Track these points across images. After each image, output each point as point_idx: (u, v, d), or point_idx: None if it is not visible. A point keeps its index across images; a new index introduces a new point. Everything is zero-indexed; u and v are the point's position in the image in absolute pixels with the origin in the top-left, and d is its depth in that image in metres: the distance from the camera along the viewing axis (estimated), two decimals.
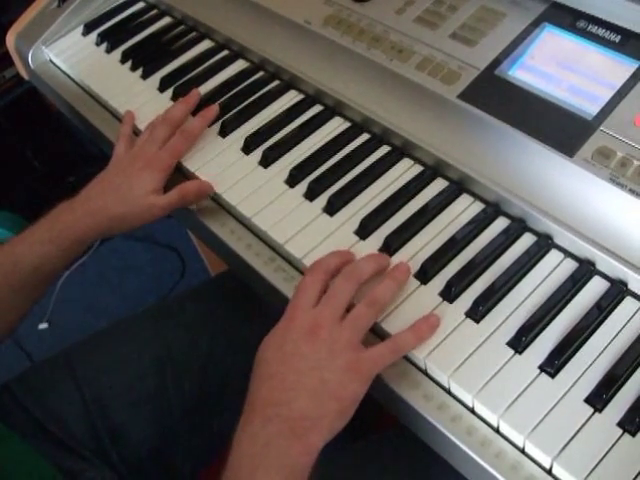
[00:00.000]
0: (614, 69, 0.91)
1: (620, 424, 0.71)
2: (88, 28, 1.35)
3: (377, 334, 0.84)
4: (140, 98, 1.18)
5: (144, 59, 1.25)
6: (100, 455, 1.08)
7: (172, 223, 2.39)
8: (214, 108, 1.10)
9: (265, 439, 0.73)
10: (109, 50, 1.30)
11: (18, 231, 1.03)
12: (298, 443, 0.73)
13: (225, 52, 1.23)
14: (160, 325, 1.19)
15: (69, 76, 1.30)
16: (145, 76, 1.22)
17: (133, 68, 1.25)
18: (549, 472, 0.72)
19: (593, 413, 0.72)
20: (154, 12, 1.37)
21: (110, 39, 1.31)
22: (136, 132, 1.12)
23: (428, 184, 0.95)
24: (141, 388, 1.12)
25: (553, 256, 0.85)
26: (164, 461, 1.14)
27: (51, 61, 1.35)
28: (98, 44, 1.32)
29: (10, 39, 1.36)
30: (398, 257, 0.88)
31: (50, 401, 1.09)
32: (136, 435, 1.10)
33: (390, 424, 1.04)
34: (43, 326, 2.29)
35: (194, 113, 1.10)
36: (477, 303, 0.81)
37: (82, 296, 2.22)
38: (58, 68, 1.33)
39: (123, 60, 1.27)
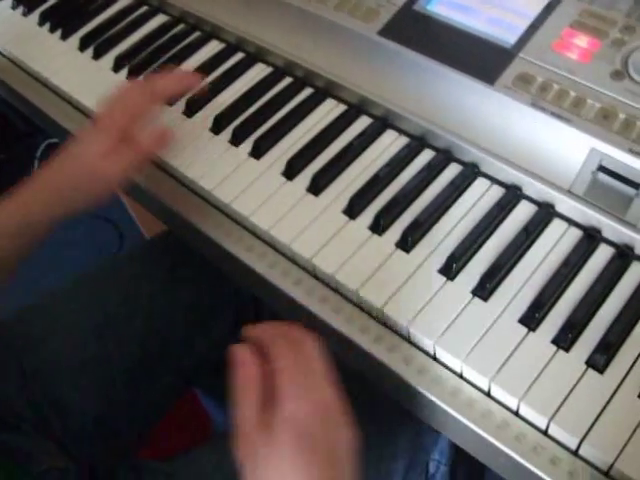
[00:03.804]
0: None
1: (554, 341, 0.73)
2: None
3: (309, 272, 0.84)
4: (61, 59, 1.16)
5: (63, 20, 1.22)
6: (41, 427, 1.06)
7: None
8: (198, 77, 1.01)
9: None
10: (26, 13, 1.27)
11: None
12: None
13: (144, 7, 1.21)
14: (97, 291, 1.17)
15: None
16: (65, 36, 1.20)
17: (52, 29, 1.22)
18: (488, 394, 0.73)
19: (527, 333, 0.73)
20: None
21: (26, 2, 1.28)
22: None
23: (353, 122, 0.95)
24: (82, 355, 1.10)
25: (480, 183, 0.86)
26: (108, 428, 1.12)
27: None
28: (14, 7, 1.29)
29: None
30: (326, 195, 0.88)
31: None
32: (79, 403, 1.09)
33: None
34: None
35: None
36: (406, 234, 0.81)
37: (19, 275, 2.18)
38: None
39: (41, 22, 1.24)
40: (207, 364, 1.22)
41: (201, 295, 1.20)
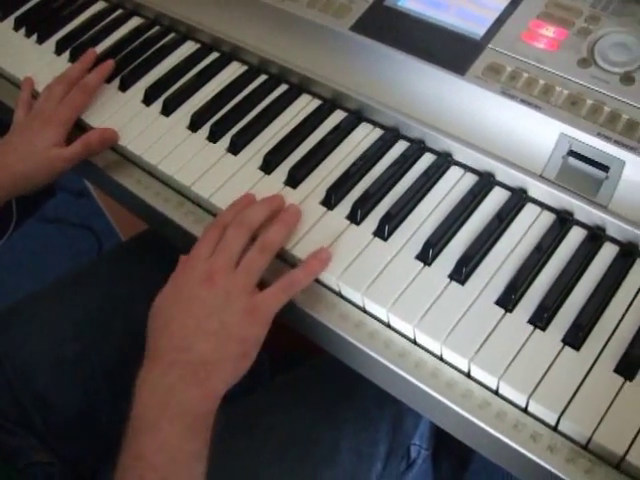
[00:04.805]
0: None
1: (530, 321, 0.74)
2: None
3: (289, 262, 0.85)
4: (38, 63, 1.17)
5: (38, 24, 1.23)
6: (25, 425, 1.07)
7: (84, 202, 2.38)
8: (109, 63, 1.10)
9: (167, 387, 0.74)
10: (1, 19, 1.28)
11: None
12: (200, 388, 0.74)
13: (119, 11, 1.22)
14: (75, 292, 1.19)
15: None
16: (41, 41, 1.21)
17: (28, 34, 1.23)
18: (468, 375, 0.74)
19: (504, 314, 0.75)
20: None
21: (0, 8, 1.29)
22: (36, 97, 1.10)
23: (327, 116, 0.97)
24: (61, 354, 1.11)
25: (454, 172, 0.88)
26: (90, 427, 1.13)
27: None
28: None
29: None
30: (303, 187, 0.90)
31: None
32: (60, 400, 1.10)
33: (311, 356, 1.06)
34: None
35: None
36: (383, 222, 0.83)
37: (0, 285, 2.19)
38: None
39: (17, 27, 1.25)
40: None
41: None
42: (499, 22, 0.92)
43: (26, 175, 0.99)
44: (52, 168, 1.00)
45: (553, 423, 0.69)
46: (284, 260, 0.85)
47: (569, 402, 0.69)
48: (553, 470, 0.67)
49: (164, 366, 0.75)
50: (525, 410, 0.71)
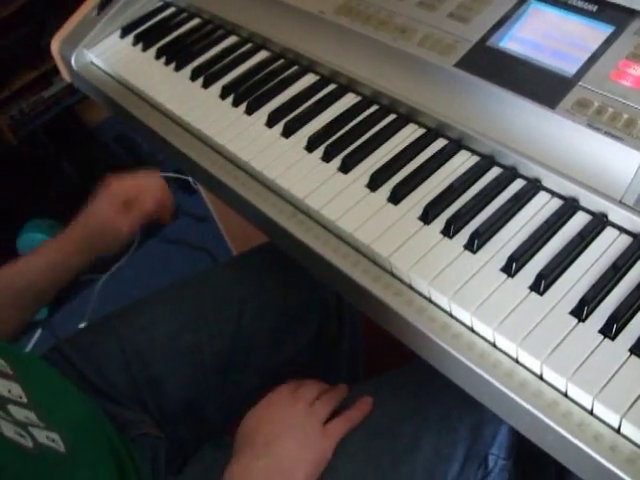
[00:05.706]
0: (592, 34, 1.02)
1: (601, 331, 0.81)
2: (125, 31, 1.49)
3: (387, 270, 0.95)
4: (175, 88, 1.31)
5: (177, 54, 1.38)
6: (138, 403, 1.19)
7: (204, 227, 2.52)
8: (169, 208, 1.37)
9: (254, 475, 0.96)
10: (145, 49, 1.43)
11: (52, 234, 1.21)
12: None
13: (249, 45, 1.36)
14: (194, 291, 1.32)
15: (109, 74, 1.44)
16: (178, 68, 1.35)
17: (167, 62, 1.38)
18: (540, 377, 0.82)
19: (577, 323, 0.82)
20: (184, 15, 1.50)
21: (145, 39, 1.44)
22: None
23: (430, 143, 1.06)
24: (177, 344, 1.24)
25: (542, 196, 0.96)
26: (196, 412, 1.25)
27: (92, 63, 1.48)
28: (134, 44, 1.46)
29: (55, 45, 1.49)
30: (404, 204, 0.99)
31: (93, 356, 1.21)
32: (171, 386, 1.22)
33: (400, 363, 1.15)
34: (83, 326, 2.34)
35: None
36: (473, 236, 0.92)
37: (120, 296, 2.31)
38: (99, 68, 1.46)
39: (158, 56, 1.40)
40: (291, 366, 1.34)
41: (289, 302, 1.33)
42: (590, 62, 0.99)
43: (98, 237, 1.27)
44: (118, 233, 1.29)
45: (616, 425, 0.76)
46: (382, 267, 0.95)
47: (631, 406, 0.75)
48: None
49: (252, 457, 0.98)
50: (591, 412, 0.78)
